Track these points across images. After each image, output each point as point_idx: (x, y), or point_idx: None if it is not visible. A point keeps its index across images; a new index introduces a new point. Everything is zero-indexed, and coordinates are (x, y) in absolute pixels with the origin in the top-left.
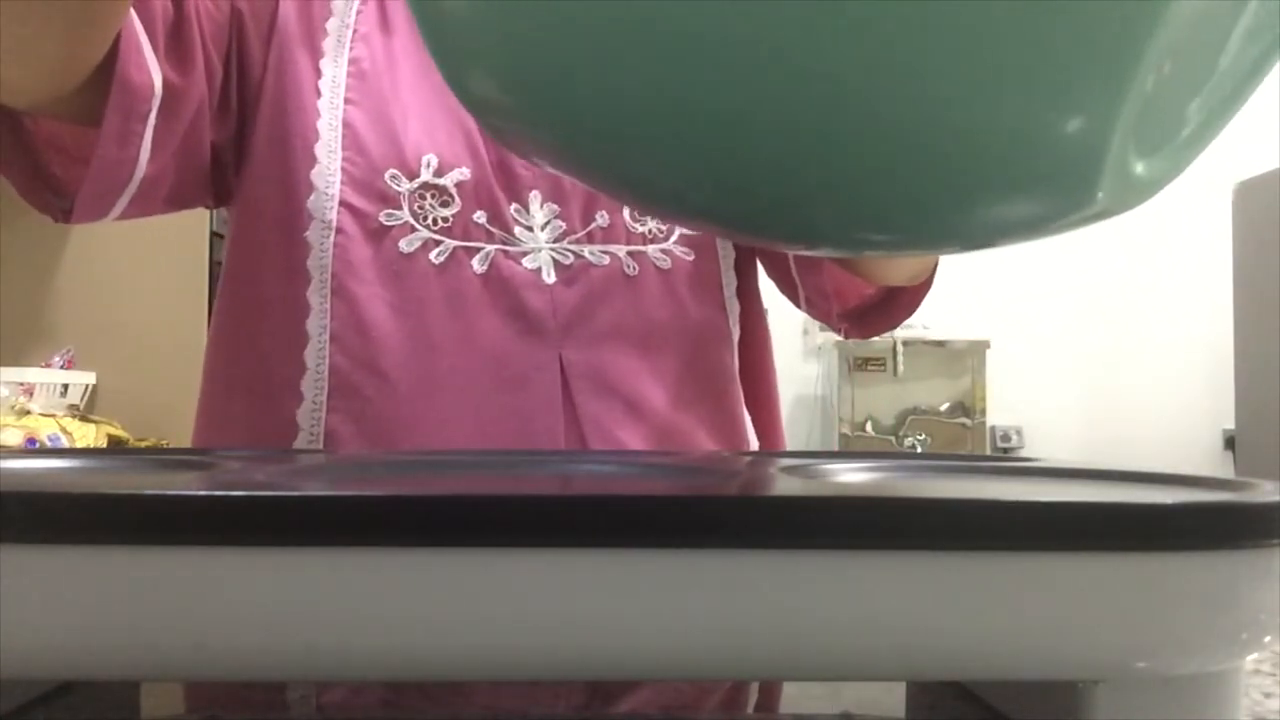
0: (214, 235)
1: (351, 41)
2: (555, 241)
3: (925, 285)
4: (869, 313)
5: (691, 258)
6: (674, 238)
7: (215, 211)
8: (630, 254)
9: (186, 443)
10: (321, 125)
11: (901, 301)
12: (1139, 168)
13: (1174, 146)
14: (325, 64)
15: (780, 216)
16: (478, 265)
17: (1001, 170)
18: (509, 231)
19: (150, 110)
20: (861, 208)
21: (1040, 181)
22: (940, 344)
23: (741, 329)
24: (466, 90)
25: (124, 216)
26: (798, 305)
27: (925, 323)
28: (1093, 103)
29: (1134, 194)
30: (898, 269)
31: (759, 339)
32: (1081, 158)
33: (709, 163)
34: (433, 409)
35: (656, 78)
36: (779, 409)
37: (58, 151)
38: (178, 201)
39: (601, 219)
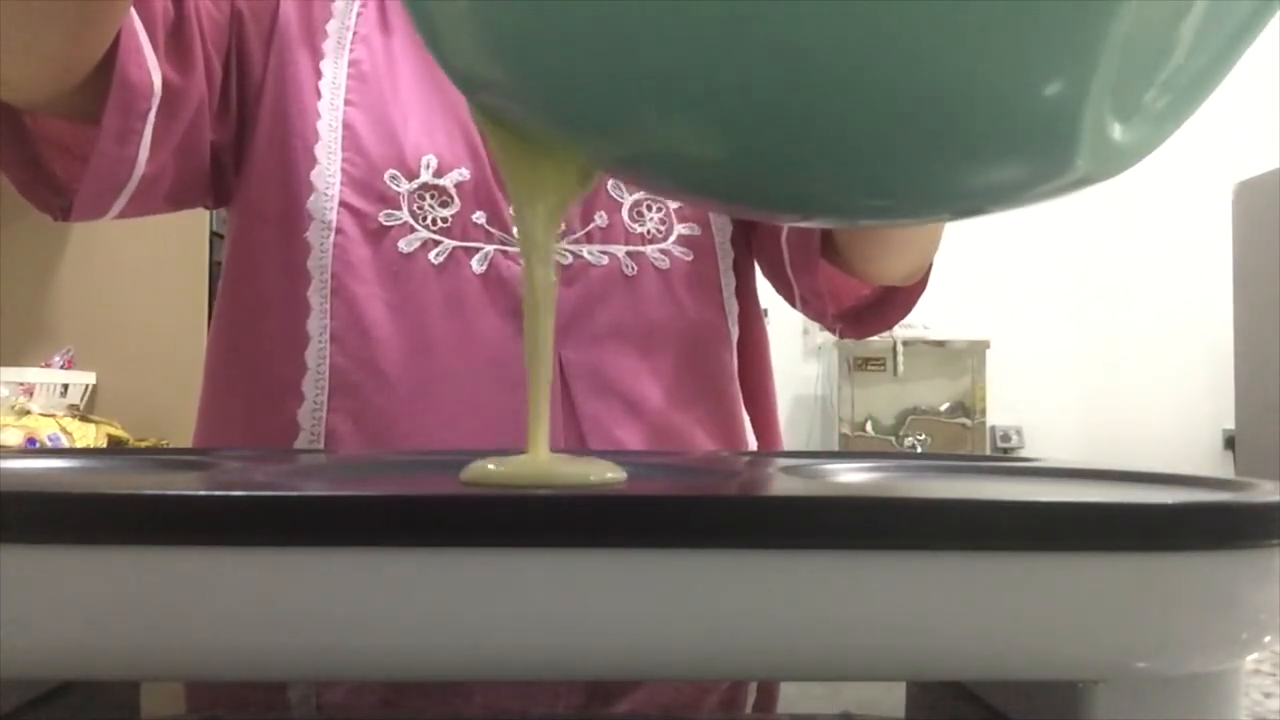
0: (214, 235)
1: (351, 43)
2: None
3: (920, 285)
4: (865, 313)
5: (690, 258)
6: (672, 238)
7: (215, 211)
8: (629, 254)
9: (186, 443)
10: (321, 126)
11: (897, 302)
12: (1117, 133)
13: (1155, 112)
14: (325, 65)
15: (763, 186)
16: (477, 265)
17: (977, 134)
18: (508, 231)
19: (150, 109)
20: (845, 175)
21: (1017, 145)
22: (940, 344)
23: (739, 329)
24: (452, 65)
25: (123, 215)
26: (793, 304)
27: (925, 323)
28: (1066, 64)
29: (1115, 160)
30: (892, 268)
31: (756, 339)
32: (1057, 121)
33: (696, 134)
34: (432, 409)
35: (641, 51)
36: (776, 409)
37: (58, 149)
38: (177, 201)
39: (600, 219)
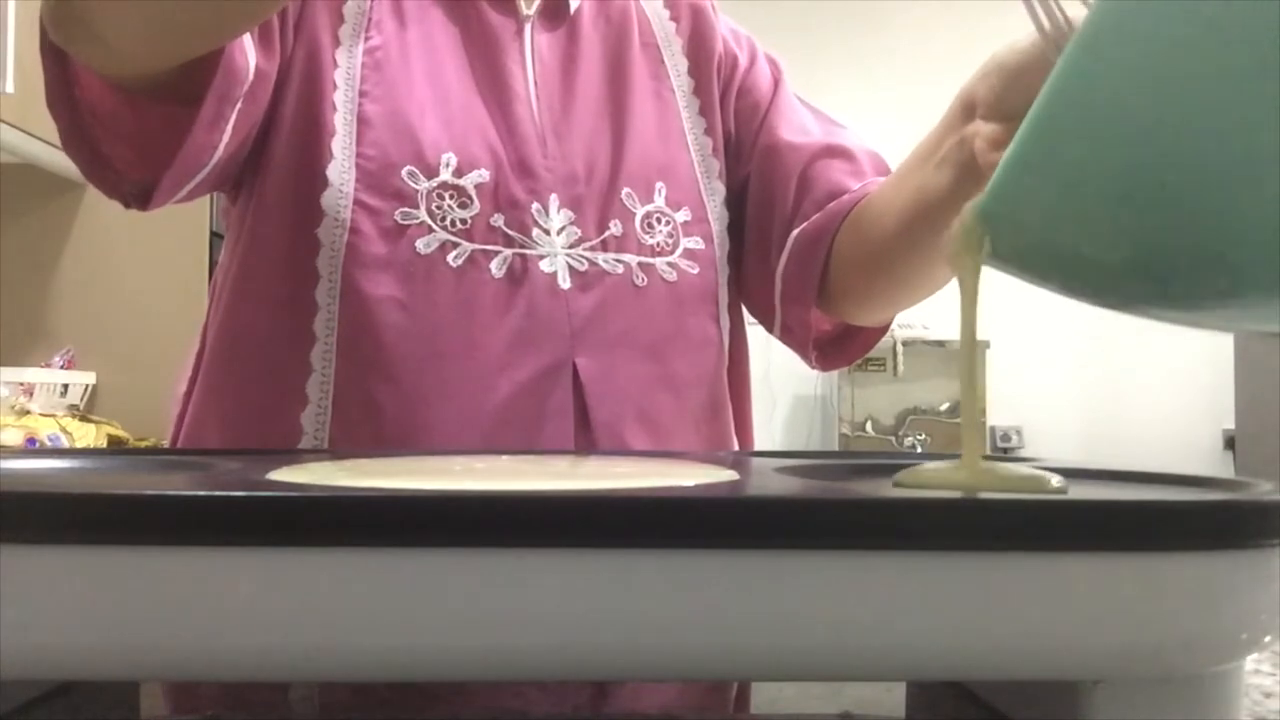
0: (214, 235)
1: (367, 30)
2: (571, 247)
3: (884, 327)
4: (828, 347)
5: (695, 271)
6: (679, 251)
7: (215, 212)
8: (640, 265)
9: None
10: (337, 119)
11: (859, 340)
12: None
13: None
14: (340, 54)
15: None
16: (496, 269)
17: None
18: (527, 235)
19: (240, 95)
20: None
21: None
22: (940, 344)
23: (729, 340)
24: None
25: (187, 199)
26: (771, 331)
27: (925, 323)
28: None
29: None
30: (884, 314)
31: (742, 351)
32: None
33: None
34: (443, 415)
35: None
36: (751, 417)
37: (101, 125)
38: (221, 185)
39: (615, 227)
